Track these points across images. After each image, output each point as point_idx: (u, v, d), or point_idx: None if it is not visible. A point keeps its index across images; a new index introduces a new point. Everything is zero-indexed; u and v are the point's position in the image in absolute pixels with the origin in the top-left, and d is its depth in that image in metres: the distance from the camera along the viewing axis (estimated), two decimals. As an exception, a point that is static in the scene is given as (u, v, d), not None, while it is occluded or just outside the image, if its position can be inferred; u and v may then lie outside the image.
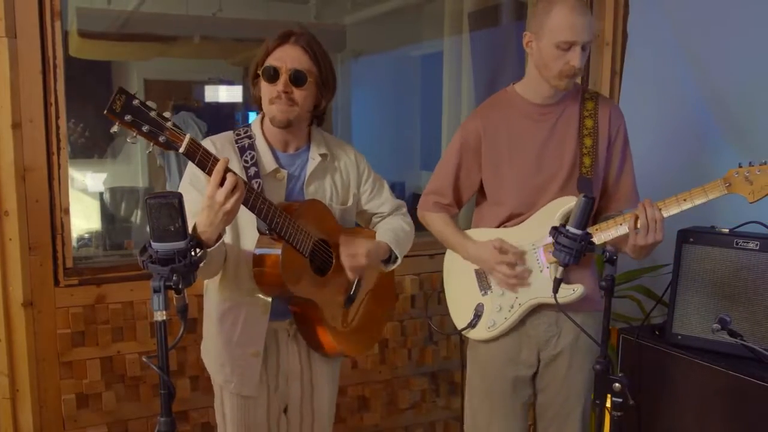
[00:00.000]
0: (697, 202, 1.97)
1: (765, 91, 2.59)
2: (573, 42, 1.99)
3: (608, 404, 1.76)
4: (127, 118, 1.54)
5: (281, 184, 1.96)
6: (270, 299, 1.96)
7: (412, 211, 2.34)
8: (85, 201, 4.31)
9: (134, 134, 1.58)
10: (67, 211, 2.44)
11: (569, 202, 2.09)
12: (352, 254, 1.97)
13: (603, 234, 2.06)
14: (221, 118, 5.00)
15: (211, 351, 2.05)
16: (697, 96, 2.84)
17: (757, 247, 2.31)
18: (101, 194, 4.18)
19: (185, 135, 1.62)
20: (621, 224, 2.02)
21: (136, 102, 1.55)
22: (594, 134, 2.13)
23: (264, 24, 4.40)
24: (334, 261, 2.02)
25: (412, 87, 5.20)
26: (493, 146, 2.19)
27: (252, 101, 2.02)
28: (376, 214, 2.20)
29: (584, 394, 2.22)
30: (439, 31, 4.07)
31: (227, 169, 1.66)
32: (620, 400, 1.72)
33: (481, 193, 2.30)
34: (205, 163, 1.66)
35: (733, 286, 2.35)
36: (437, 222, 2.32)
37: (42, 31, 2.33)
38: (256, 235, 1.90)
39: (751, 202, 1.91)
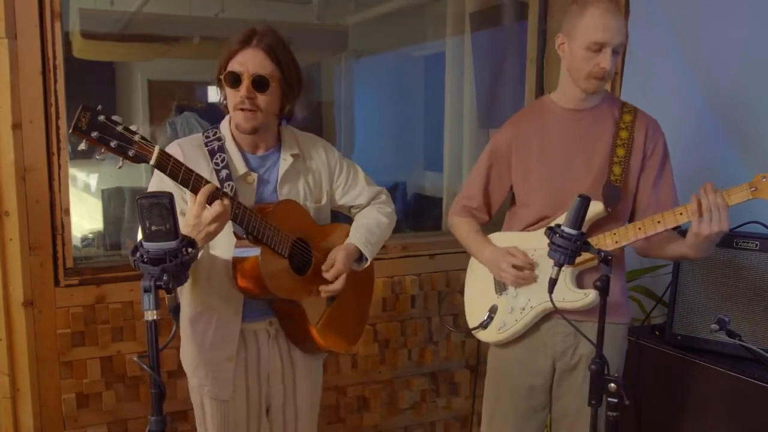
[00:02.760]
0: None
1: (765, 90, 2.58)
2: (604, 43, 1.99)
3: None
4: (94, 134, 1.53)
5: (251, 188, 1.95)
6: (242, 302, 1.95)
7: (406, 206, 2.35)
8: (89, 201, 4.33)
9: (102, 150, 1.57)
10: (67, 212, 2.45)
11: (593, 208, 2.02)
12: (336, 274, 2.00)
13: (621, 238, 2.03)
14: (224, 118, 4.98)
15: (186, 354, 2.04)
16: (697, 96, 2.83)
17: (757, 247, 2.31)
18: (103, 194, 4.19)
19: (154, 147, 1.62)
20: (639, 228, 1.98)
21: (101, 118, 1.54)
22: (628, 146, 2.11)
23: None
24: (313, 259, 2.02)
25: (415, 87, 5.19)
26: (524, 153, 2.20)
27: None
28: (353, 206, 2.19)
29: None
30: (442, 32, 4.07)
31: (216, 191, 1.68)
32: (616, 400, 1.71)
33: (512, 198, 2.31)
34: (177, 173, 1.66)
35: (733, 286, 2.35)
36: (462, 226, 2.34)
37: (42, 32, 2.34)
38: (228, 239, 1.88)
39: None
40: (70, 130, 1.52)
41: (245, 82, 1.85)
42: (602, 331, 1.75)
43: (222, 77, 1.89)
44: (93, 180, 4.35)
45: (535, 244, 2.15)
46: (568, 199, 2.04)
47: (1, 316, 2.37)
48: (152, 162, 1.61)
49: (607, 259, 1.71)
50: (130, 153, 1.58)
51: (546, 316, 2.16)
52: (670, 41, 2.92)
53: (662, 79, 2.98)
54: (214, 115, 2.09)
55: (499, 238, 2.28)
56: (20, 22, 2.30)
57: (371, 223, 2.13)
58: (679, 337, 2.44)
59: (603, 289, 1.70)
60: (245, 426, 2.04)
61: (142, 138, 1.59)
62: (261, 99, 1.87)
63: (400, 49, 5.09)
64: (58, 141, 2.40)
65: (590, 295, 2.04)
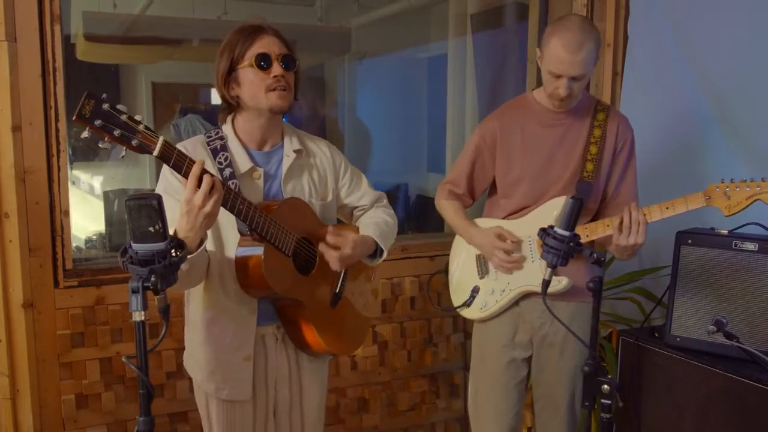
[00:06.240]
0: (678, 211, 2.13)
1: (765, 90, 2.57)
2: (560, 75, 2.13)
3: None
4: (98, 123, 1.51)
5: (258, 184, 1.93)
6: (256, 301, 1.93)
7: (408, 208, 2.38)
8: (94, 203, 4.34)
9: (105, 139, 1.54)
10: (66, 213, 2.46)
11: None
12: (338, 245, 1.94)
13: (591, 233, 2.23)
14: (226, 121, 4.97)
15: (199, 359, 1.99)
16: (697, 96, 2.82)
17: (756, 249, 2.29)
18: (106, 196, 4.20)
19: (158, 138, 1.59)
20: (608, 225, 2.18)
21: (106, 106, 1.52)
22: (600, 143, 2.27)
23: (269, 27, 4.42)
24: (317, 259, 2.00)
25: (417, 89, 5.19)
26: (507, 146, 2.35)
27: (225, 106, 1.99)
28: (357, 207, 2.18)
29: (577, 378, 2.33)
30: (444, 33, 4.07)
31: (203, 171, 1.64)
32: (609, 402, 1.71)
33: (493, 186, 2.45)
34: (181, 165, 1.64)
35: (731, 288, 2.33)
36: (449, 209, 2.49)
37: (42, 35, 2.36)
38: (238, 237, 1.87)
39: (726, 216, 2.07)
40: (74, 117, 1.49)
41: (275, 62, 1.86)
42: (596, 330, 1.75)
43: (245, 65, 1.86)
44: (96, 182, 4.36)
45: (516, 231, 2.34)
46: (545, 195, 2.31)
47: (1, 317, 2.38)
48: (156, 153, 1.58)
49: (600, 261, 1.71)
50: (134, 143, 1.56)
51: (525, 295, 2.35)
52: (670, 41, 2.92)
53: (662, 79, 2.97)
54: (217, 117, 2.09)
55: (484, 224, 2.43)
56: (20, 25, 2.32)
57: (380, 221, 2.13)
58: (677, 339, 2.43)
59: (596, 290, 1.70)
60: (252, 430, 2.02)
61: (146, 128, 1.57)
62: (289, 78, 1.89)
63: (402, 51, 5.09)
64: (58, 143, 2.41)
65: (563, 282, 2.23)
